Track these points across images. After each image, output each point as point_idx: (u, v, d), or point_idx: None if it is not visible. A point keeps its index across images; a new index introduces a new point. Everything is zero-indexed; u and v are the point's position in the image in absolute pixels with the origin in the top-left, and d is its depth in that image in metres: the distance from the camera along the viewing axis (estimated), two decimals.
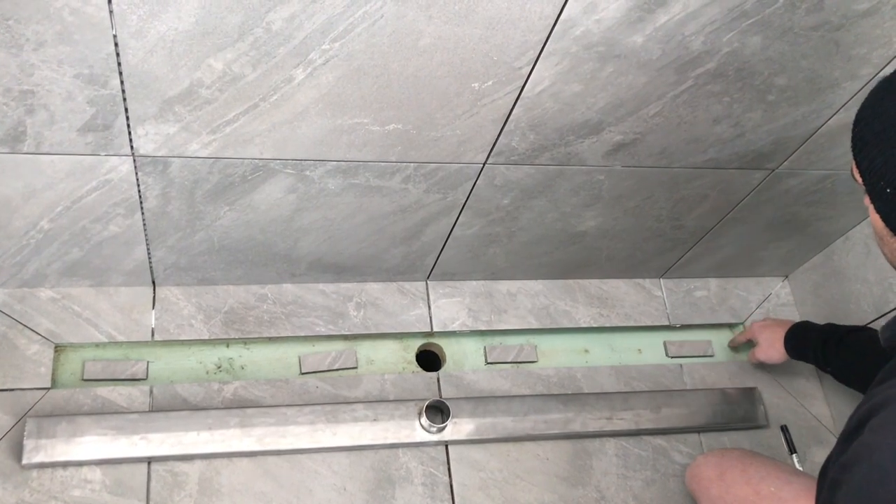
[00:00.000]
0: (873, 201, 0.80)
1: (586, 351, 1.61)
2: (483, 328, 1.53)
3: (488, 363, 1.54)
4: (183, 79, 0.96)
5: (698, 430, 1.53)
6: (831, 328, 1.38)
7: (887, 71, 1.13)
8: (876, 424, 0.73)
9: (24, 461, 1.21)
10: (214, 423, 1.29)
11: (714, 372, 1.61)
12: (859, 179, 0.81)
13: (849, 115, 1.21)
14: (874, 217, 0.81)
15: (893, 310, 1.44)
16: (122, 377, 1.35)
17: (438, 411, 1.39)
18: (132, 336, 1.36)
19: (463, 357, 1.54)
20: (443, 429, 1.37)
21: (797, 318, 1.70)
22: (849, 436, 0.77)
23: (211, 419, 1.29)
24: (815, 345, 1.37)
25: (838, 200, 1.46)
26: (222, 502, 1.27)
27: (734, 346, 1.65)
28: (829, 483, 0.79)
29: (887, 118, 0.76)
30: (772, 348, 1.48)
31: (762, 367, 1.62)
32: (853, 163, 0.82)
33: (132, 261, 1.32)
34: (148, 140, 1.05)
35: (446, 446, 1.40)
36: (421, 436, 1.37)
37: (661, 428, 1.49)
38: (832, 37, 1.05)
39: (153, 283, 1.40)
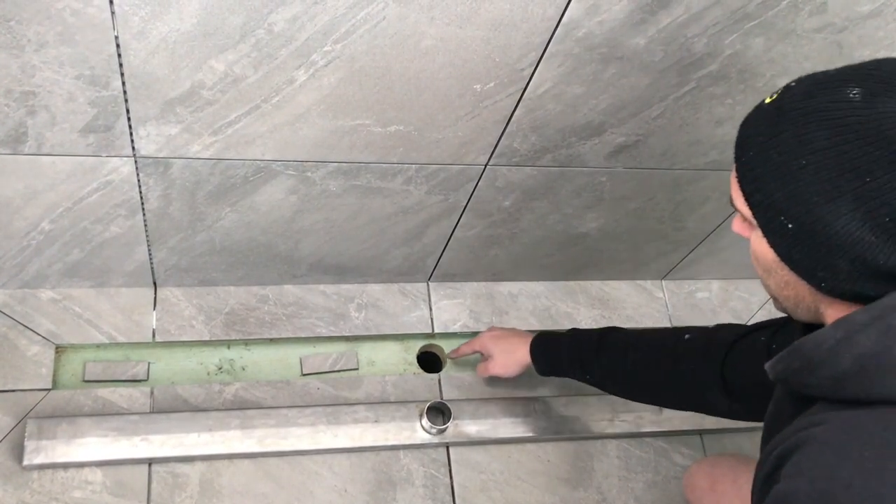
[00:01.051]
0: (767, 235, 0.74)
1: None
2: (484, 329, 1.53)
3: None
4: (184, 80, 0.96)
5: (700, 432, 1.52)
6: (580, 334, 1.28)
7: None
8: (791, 471, 0.70)
9: (25, 462, 1.21)
10: (215, 425, 1.29)
11: None
12: (746, 211, 0.76)
13: None
14: (763, 249, 0.76)
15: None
16: (123, 378, 1.35)
17: (439, 413, 1.39)
18: (133, 337, 1.36)
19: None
20: (444, 430, 1.37)
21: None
22: (767, 478, 0.75)
23: (212, 420, 1.29)
24: (570, 354, 1.26)
25: None
26: None
27: (455, 357, 1.47)
28: None
29: (786, 148, 0.70)
30: (511, 360, 1.34)
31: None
32: (738, 193, 0.76)
33: (133, 262, 1.32)
34: (149, 141, 1.05)
35: (447, 448, 1.40)
36: (422, 437, 1.37)
37: (662, 430, 1.49)
38: (835, 39, 1.05)
39: (154, 284, 1.40)
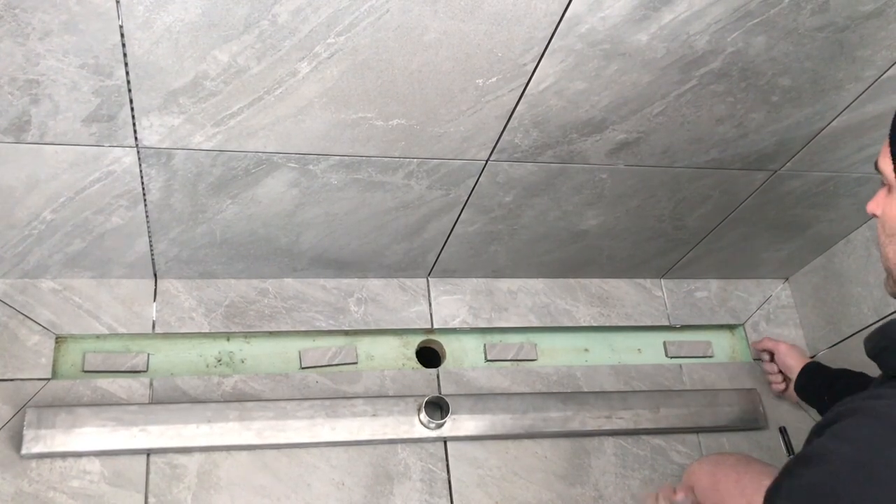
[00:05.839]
0: None
1: (586, 350, 1.61)
2: (483, 326, 1.54)
3: (488, 361, 1.54)
4: (188, 70, 0.96)
5: (697, 430, 1.53)
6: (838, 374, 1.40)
7: (892, 73, 1.13)
8: (837, 430, 0.74)
9: (24, 451, 1.21)
10: (214, 417, 1.29)
11: (713, 373, 1.61)
12: (890, 172, 0.84)
13: (852, 116, 1.21)
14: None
15: (892, 313, 1.45)
16: (123, 369, 1.35)
17: (437, 407, 1.39)
18: (133, 328, 1.36)
19: (463, 354, 1.54)
20: (442, 425, 1.37)
21: (797, 321, 1.70)
22: (819, 428, 0.79)
23: (210, 412, 1.30)
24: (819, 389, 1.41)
25: (840, 203, 1.46)
26: (220, 495, 1.28)
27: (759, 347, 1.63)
28: (783, 469, 0.81)
29: None
30: (798, 352, 1.52)
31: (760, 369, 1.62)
32: (888, 155, 0.84)
33: (134, 253, 1.32)
34: (152, 131, 1.05)
35: (445, 443, 1.41)
36: (420, 432, 1.37)
37: (659, 428, 1.49)
38: (837, 38, 1.05)
39: (155, 275, 1.40)
